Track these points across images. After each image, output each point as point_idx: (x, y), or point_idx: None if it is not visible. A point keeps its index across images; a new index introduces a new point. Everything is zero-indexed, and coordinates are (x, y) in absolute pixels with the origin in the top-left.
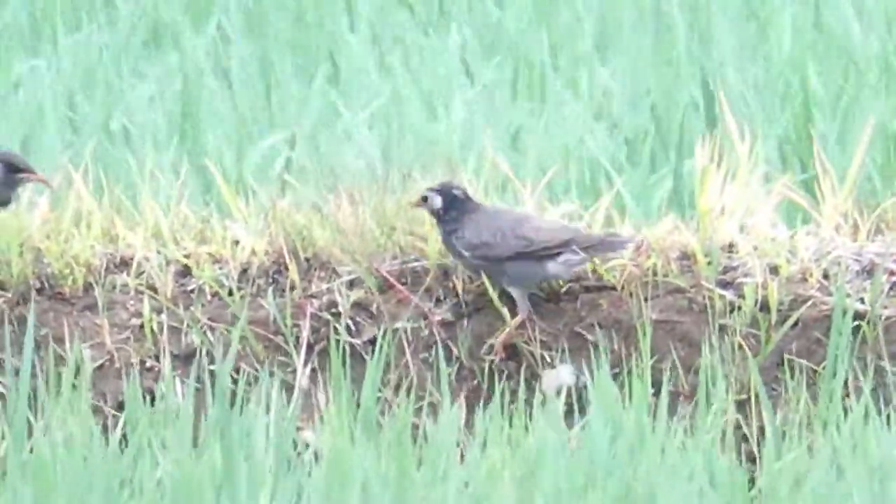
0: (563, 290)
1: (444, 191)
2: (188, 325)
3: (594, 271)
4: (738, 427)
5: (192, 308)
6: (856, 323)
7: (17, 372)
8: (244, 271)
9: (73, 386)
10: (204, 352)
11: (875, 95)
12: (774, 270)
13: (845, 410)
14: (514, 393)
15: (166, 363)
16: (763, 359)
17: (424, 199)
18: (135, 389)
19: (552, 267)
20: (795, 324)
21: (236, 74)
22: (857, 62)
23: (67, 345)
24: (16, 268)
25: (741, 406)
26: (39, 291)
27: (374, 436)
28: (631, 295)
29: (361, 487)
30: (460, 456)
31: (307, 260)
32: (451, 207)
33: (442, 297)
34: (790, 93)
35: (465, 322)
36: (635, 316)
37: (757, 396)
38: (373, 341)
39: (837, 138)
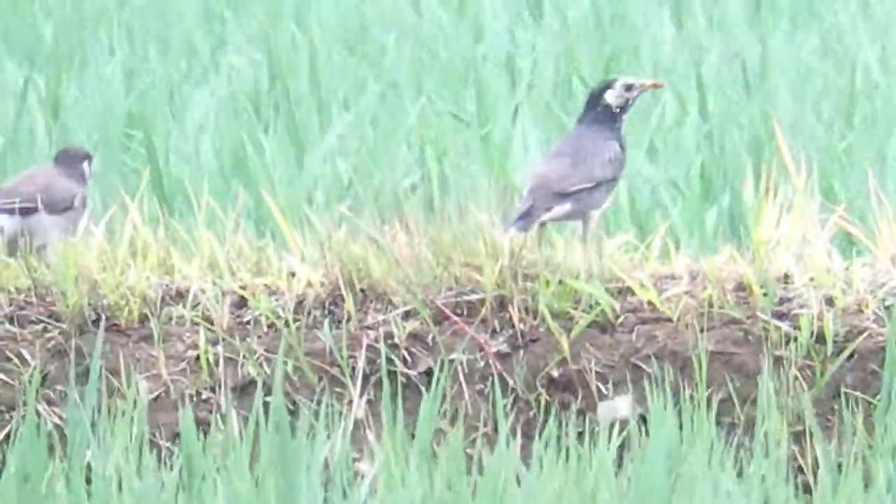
0: (619, 321)
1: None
2: (244, 357)
3: (650, 303)
4: (793, 458)
5: (248, 339)
6: None
7: (75, 402)
8: (300, 303)
9: (130, 418)
10: (260, 383)
11: None
12: (830, 302)
13: None
14: (569, 424)
15: (223, 395)
16: (818, 391)
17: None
18: (190, 421)
19: None
20: (851, 355)
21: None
22: None
23: (123, 376)
24: (71, 299)
25: (797, 437)
26: (95, 323)
27: (429, 466)
28: (687, 326)
29: None
30: (516, 486)
31: (363, 291)
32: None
33: (497, 329)
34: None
35: (521, 353)
36: (691, 347)
37: (812, 428)
38: (428, 373)
39: (890, 167)
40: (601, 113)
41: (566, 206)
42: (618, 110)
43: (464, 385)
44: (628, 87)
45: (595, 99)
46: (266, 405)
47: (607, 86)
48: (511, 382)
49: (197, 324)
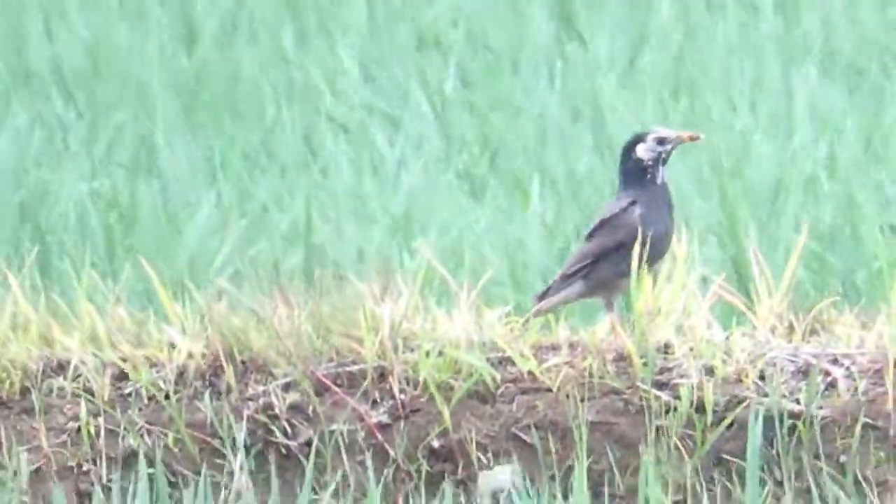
0: (499, 391)
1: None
2: (125, 429)
3: (530, 373)
4: None
5: (128, 411)
6: (791, 423)
7: None
8: (181, 374)
9: (11, 489)
10: (141, 455)
11: (806, 196)
12: (710, 371)
13: None
14: (450, 495)
15: (103, 466)
16: (699, 459)
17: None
18: (61, 494)
19: None
20: (731, 424)
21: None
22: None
23: (4, 448)
24: None
25: None
26: None
27: None
28: (567, 396)
29: None
30: None
31: (243, 363)
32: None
33: (378, 400)
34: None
35: (402, 424)
36: (571, 417)
37: (693, 497)
38: (309, 444)
39: (769, 238)
40: (632, 168)
41: (576, 288)
42: (650, 163)
43: (344, 456)
44: (661, 140)
45: (626, 153)
46: (148, 477)
47: (638, 140)
48: (392, 453)
49: (78, 396)
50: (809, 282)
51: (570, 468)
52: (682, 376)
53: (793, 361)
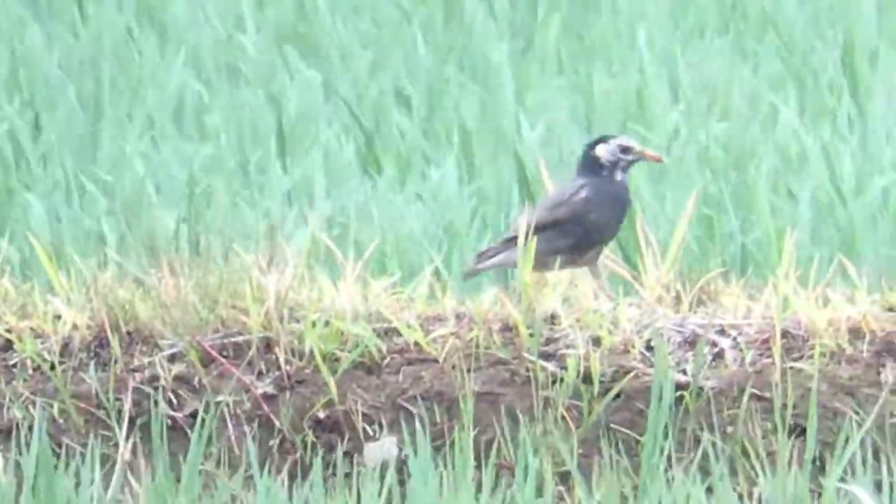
0: (385, 362)
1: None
2: (10, 400)
3: (416, 343)
4: (561, 499)
5: (13, 383)
6: (678, 394)
7: None
8: (66, 345)
9: None
10: (26, 426)
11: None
12: (597, 342)
13: (667, 481)
14: (336, 466)
15: None
16: (585, 430)
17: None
18: None
19: None
20: (618, 395)
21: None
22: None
23: None
24: None
25: (564, 478)
26: None
27: None
28: (453, 367)
29: None
30: None
31: (129, 333)
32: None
33: (264, 370)
34: None
35: (288, 395)
36: (457, 388)
37: (579, 467)
38: (195, 415)
39: (656, 208)
40: (589, 164)
41: (514, 255)
42: (606, 164)
43: (230, 427)
44: (624, 149)
45: (586, 151)
46: (32, 448)
47: (601, 140)
48: (278, 424)
49: None
50: (699, 251)
51: (458, 439)
52: (568, 347)
53: (680, 332)
